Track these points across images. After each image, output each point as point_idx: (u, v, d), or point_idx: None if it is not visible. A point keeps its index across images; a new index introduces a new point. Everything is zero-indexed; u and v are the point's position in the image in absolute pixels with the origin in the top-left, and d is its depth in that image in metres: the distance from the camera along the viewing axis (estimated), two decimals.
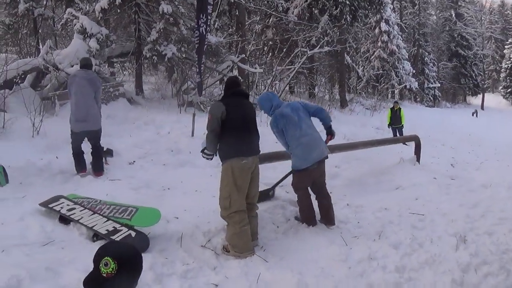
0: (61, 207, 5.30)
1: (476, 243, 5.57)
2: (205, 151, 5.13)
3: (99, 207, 5.42)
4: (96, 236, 4.88)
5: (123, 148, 8.84)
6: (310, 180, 6.08)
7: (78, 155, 7.36)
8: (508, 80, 56.48)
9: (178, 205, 6.31)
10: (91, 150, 7.56)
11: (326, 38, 20.72)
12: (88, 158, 7.52)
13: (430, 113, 30.05)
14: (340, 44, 22.46)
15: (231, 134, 4.91)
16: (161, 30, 12.74)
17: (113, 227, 4.91)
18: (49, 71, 11.13)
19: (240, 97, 5.16)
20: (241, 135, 4.99)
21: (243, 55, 15.34)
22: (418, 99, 38.89)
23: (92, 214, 5.17)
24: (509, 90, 57.06)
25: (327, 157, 6.09)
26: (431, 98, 40.86)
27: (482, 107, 46.95)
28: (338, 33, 21.84)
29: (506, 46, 57.05)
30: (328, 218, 6.08)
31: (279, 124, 5.84)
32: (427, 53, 40.58)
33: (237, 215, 4.93)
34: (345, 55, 24.93)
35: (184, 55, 13.41)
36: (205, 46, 9.90)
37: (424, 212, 6.77)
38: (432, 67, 40.93)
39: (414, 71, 33.35)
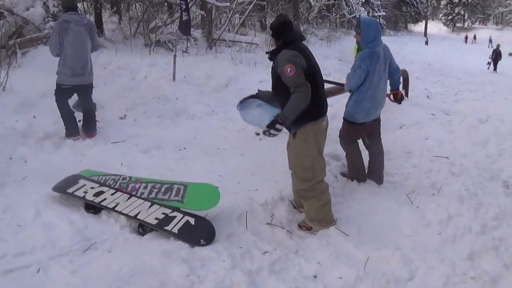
0: (85, 192, 4.09)
1: None
2: (277, 125, 3.72)
3: (132, 186, 4.27)
4: (142, 227, 3.78)
5: (105, 100, 7.53)
6: (365, 133, 5.24)
7: (68, 115, 6.12)
8: (448, 8, 57.57)
9: (208, 169, 5.34)
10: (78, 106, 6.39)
11: None
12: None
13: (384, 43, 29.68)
14: None
15: (312, 91, 3.80)
16: None
17: (163, 213, 3.82)
18: (4, 17, 9.39)
19: (302, 41, 4.05)
20: (320, 91, 3.99)
21: None
22: None
23: (128, 198, 4.03)
24: (449, 17, 58.26)
25: None
26: None
27: (425, 35, 47.43)
28: None
29: None
30: (379, 176, 5.36)
31: (371, 65, 4.76)
32: None
33: (322, 184, 4.15)
34: None
35: None
36: None
37: (445, 154, 6.49)
38: None
39: (363, 1, 32.58)
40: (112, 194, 4.08)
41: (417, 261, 3.70)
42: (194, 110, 7.98)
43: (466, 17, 59.35)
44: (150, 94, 8.34)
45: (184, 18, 9.25)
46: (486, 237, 4.12)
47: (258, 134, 6.54)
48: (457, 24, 60.98)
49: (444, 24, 60.53)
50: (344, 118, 5.14)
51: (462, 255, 3.82)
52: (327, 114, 4.12)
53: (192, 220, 3.77)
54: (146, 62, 10.13)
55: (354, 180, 5.27)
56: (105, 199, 4.01)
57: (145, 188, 4.22)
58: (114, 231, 3.74)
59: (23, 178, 4.66)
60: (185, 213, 3.86)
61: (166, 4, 13.18)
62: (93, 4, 12.91)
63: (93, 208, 4.00)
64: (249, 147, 6.19)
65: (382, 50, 4.86)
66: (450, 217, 4.47)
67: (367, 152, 5.41)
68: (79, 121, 6.31)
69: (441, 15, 62.17)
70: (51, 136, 6.02)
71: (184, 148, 6.08)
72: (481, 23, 70.52)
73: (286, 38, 3.91)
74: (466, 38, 52.54)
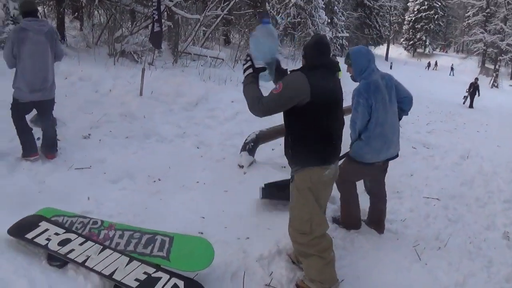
0: (47, 239, 3.30)
1: None
2: (249, 62, 3.44)
3: (105, 233, 3.52)
4: None
5: (66, 115, 6.70)
6: (369, 177, 4.63)
7: (25, 132, 5.31)
8: (410, 33, 58.80)
9: (189, 209, 4.63)
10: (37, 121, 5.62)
11: None
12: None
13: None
14: None
15: (315, 130, 3.22)
16: None
17: (145, 272, 3.09)
18: None
19: (331, 72, 3.37)
20: (328, 134, 3.31)
21: None
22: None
23: (101, 250, 3.27)
24: (411, 42, 59.47)
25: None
26: (339, 48, 40.81)
27: (386, 58, 48.09)
28: None
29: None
30: (380, 225, 4.76)
31: (370, 98, 4.10)
32: (336, 2, 39.94)
33: (323, 240, 3.46)
34: (266, 2, 23.28)
35: None
36: None
37: (435, 195, 6.19)
38: (341, 17, 40.48)
39: (329, 21, 32.64)
40: (81, 244, 3.31)
41: None
42: (164, 131, 7.27)
43: (427, 43, 60.68)
44: (116, 111, 7.56)
45: (156, 29, 8.46)
46: None
47: (241, 166, 5.85)
48: (418, 50, 62.32)
49: (405, 48, 61.72)
50: (348, 155, 4.45)
51: None
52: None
53: (181, 284, 3.05)
54: (111, 73, 9.35)
55: (351, 229, 4.64)
56: (72, 250, 3.24)
57: (121, 237, 3.48)
58: None
59: None
60: (172, 274, 3.14)
61: (129, 12, 12.41)
62: (55, 8, 11.95)
63: (58, 260, 3.22)
64: (232, 182, 5.49)
65: (381, 80, 4.23)
66: (464, 278, 4.02)
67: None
68: (38, 139, 5.52)
69: (402, 39, 63.44)
70: (5, 156, 5.21)
71: (159, 180, 5.35)
72: (442, 50, 72.34)
73: (311, 62, 3.32)
74: (429, 64, 53.28)
